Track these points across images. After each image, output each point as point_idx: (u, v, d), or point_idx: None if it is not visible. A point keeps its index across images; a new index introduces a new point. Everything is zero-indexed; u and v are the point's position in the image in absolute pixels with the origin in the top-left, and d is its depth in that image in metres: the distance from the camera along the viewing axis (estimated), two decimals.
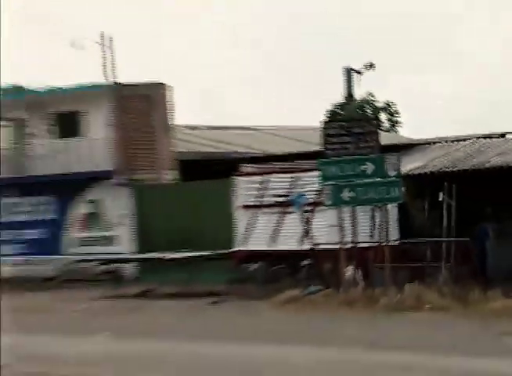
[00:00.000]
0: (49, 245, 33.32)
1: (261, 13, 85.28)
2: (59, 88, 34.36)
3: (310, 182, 25.10)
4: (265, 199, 26.35)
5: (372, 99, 54.83)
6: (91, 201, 32.88)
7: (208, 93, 73.56)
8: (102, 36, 34.96)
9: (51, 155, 33.64)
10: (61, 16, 73.55)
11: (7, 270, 33.01)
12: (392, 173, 22.73)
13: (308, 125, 40.14)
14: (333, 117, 22.30)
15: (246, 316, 20.83)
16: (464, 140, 27.62)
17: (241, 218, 26.80)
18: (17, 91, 39.29)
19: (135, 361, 13.62)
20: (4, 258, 33.53)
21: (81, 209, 33.17)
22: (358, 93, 24.65)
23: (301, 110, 72.03)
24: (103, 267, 30.92)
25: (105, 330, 17.83)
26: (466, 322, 18.16)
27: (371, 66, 23.97)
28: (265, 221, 26.40)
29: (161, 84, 33.85)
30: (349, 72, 23.48)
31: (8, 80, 50.08)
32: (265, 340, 16.05)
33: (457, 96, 76.54)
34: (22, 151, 34.62)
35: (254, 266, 26.47)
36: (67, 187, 32.75)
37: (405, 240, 23.82)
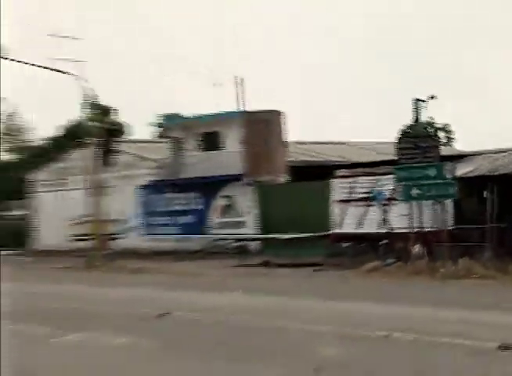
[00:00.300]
0: (197, 227, 33.67)
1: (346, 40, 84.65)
2: (204, 115, 34.76)
3: (387, 183, 24.92)
4: (353, 195, 26.21)
5: (432, 121, 54.26)
6: (227, 196, 33.10)
7: (311, 115, 73.35)
8: (235, 77, 35.23)
9: (198, 163, 34.02)
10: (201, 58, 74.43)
11: (168, 245, 33.58)
12: (449, 176, 22.53)
13: (384, 141, 40.03)
14: (404, 134, 22.03)
15: (339, 280, 20.75)
16: (504, 152, 26.95)
17: (336, 209, 26.67)
18: (175, 117, 39.95)
19: (262, 311, 13.64)
20: (166, 237, 34.25)
21: (219, 202, 33.42)
22: (423, 116, 24.49)
23: (377, 127, 72.19)
24: (235, 244, 31.20)
25: (238, 288, 17.93)
26: (504, 287, 17.84)
27: (432, 97, 23.79)
28: (353, 211, 26.22)
29: (276, 111, 33.94)
30: (416, 101, 23.28)
31: (168, 109, 50.88)
32: (354, 298, 15.98)
33: (497, 116, 75.06)
34: (178, 160, 35.09)
35: (345, 244, 26.39)
36: (210, 186, 33.08)
37: (459, 226, 23.43)
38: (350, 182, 26.50)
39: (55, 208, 38.92)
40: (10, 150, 55.87)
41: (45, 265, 30.16)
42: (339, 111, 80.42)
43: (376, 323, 11.90)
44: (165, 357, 9.38)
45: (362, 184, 26.13)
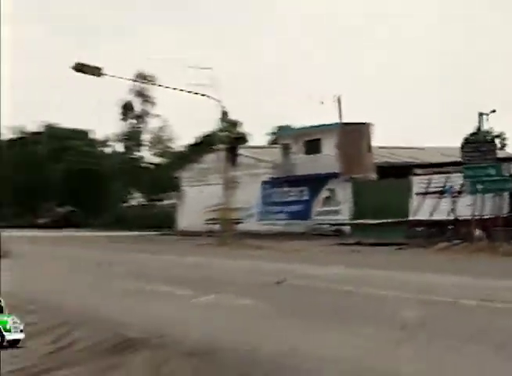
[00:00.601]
0: (303, 214, 33.73)
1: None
2: (309, 126, 34.80)
3: (456, 180, 24.40)
4: (428, 189, 25.76)
5: (491, 130, 52.58)
6: (328, 189, 33.04)
7: (389, 124, 72.22)
8: (334, 95, 34.94)
9: (303, 164, 34.04)
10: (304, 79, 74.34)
11: (280, 228, 33.72)
12: (506, 174, 21.90)
13: (450, 146, 38.88)
14: (468, 141, 21.63)
15: (417, 257, 20.27)
16: None
17: (413, 201, 26.29)
18: (286, 128, 40.19)
19: (358, 280, 13.43)
20: (278, 222, 34.44)
21: (320, 194, 33.35)
22: (485, 126, 23.90)
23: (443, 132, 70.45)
24: (333, 227, 31.04)
25: (337, 262, 17.71)
26: None
27: (493, 111, 23.10)
28: (427, 202, 25.79)
29: (366, 123, 33.73)
30: (481, 115, 22.71)
31: (281, 122, 50.93)
32: (429, 270, 15.51)
33: None
34: (287, 162, 35.21)
35: (419, 229, 25.93)
36: (313, 182, 33.10)
37: None
38: (426, 179, 26.10)
39: (196, 199, 39.83)
40: (161, 155, 57.61)
41: (186, 242, 30.82)
42: (415, 121, 79.07)
43: (447, 291, 11.51)
44: (280, 315, 9.40)
45: (436, 180, 25.70)
